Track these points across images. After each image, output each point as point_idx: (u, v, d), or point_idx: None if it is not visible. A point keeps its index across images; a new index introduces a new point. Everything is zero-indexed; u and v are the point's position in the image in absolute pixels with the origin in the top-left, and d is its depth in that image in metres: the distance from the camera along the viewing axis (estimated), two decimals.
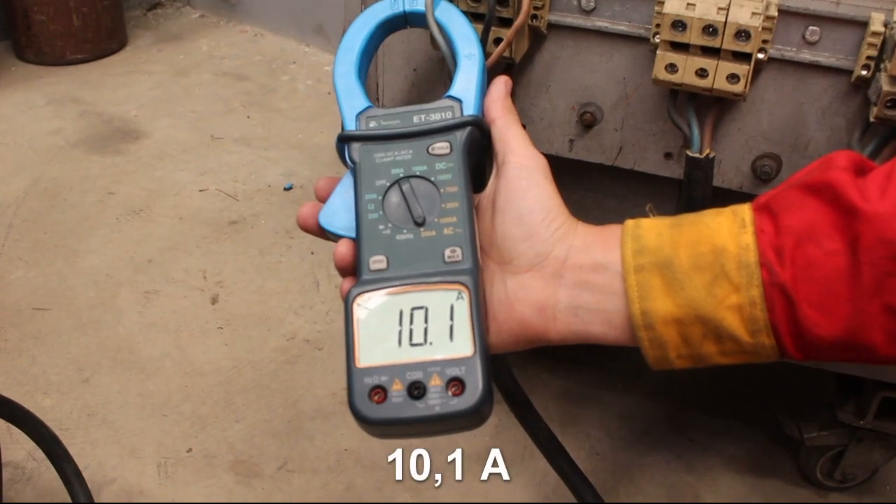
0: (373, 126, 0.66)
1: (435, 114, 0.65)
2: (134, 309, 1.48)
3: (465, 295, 0.57)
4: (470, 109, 0.66)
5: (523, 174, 0.62)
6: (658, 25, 0.76)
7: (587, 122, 0.88)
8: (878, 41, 0.73)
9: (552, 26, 0.84)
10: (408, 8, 0.75)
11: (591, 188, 1.00)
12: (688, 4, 0.73)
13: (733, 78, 0.74)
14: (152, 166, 1.93)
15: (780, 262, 0.53)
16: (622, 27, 0.83)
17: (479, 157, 0.67)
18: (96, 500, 1.09)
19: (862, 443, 1.10)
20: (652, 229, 0.58)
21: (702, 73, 0.74)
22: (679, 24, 0.73)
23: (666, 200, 0.97)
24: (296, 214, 0.68)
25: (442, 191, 0.62)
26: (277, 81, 2.36)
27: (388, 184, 0.62)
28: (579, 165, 0.93)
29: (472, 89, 0.67)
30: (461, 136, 0.64)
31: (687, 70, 0.75)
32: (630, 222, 0.59)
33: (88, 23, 2.43)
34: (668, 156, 0.88)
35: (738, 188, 0.87)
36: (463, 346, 0.56)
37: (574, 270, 0.59)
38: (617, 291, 0.57)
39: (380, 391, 0.55)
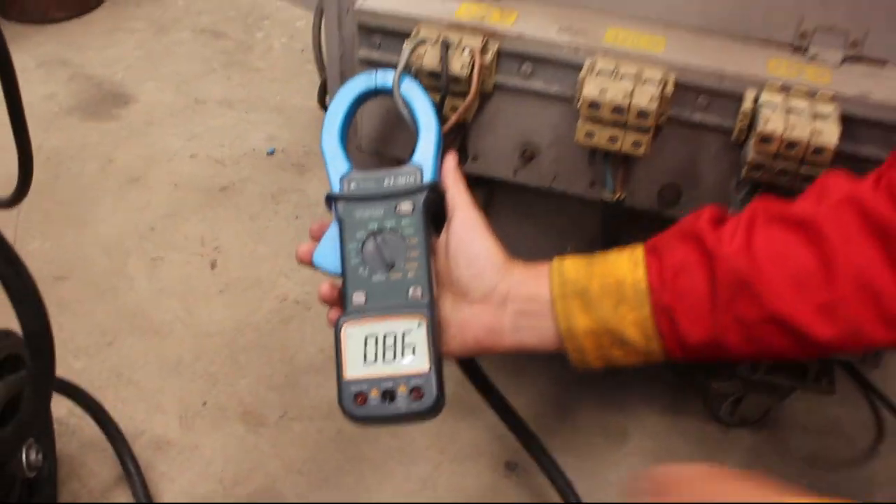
0: (353, 187, 0.87)
1: (401, 178, 0.87)
2: (143, 275, 1.70)
3: (424, 323, 0.78)
4: (428, 174, 0.87)
5: (468, 226, 0.83)
6: (580, 100, 0.97)
7: (527, 157, 1.10)
8: (747, 117, 0.95)
9: (497, 87, 1.05)
10: (379, 83, 0.96)
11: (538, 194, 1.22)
12: (601, 90, 0.94)
13: (637, 144, 0.96)
14: (144, 132, 2.10)
15: (662, 289, 0.76)
16: (554, 89, 1.04)
17: (438, 209, 0.87)
18: (133, 451, 1.33)
19: (756, 391, 1.36)
20: (572, 267, 0.81)
21: (613, 139, 0.96)
22: (594, 106, 0.94)
23: (594, 211, 1.20)
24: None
25: (406, 241, 0.82)
26: (253, 39, 2.51)
27: (365, 235, 0.83)
28: None
29: (430, 157, 0.88)
30: (421, 197, 0.84)
31: (601, 137, 0.97)
32: (556, 261, 0.82)
33: None
34: (592, 184, 1.10)
35: (650, 209, 1.10)
36: (422, 362, 0.76)
37: (515, 301, 0.80)
38: (547, 315, 0.79)
39: (362, 396, 0.76)
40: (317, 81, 1.99)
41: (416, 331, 0.77)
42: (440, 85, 0.98)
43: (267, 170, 1.98)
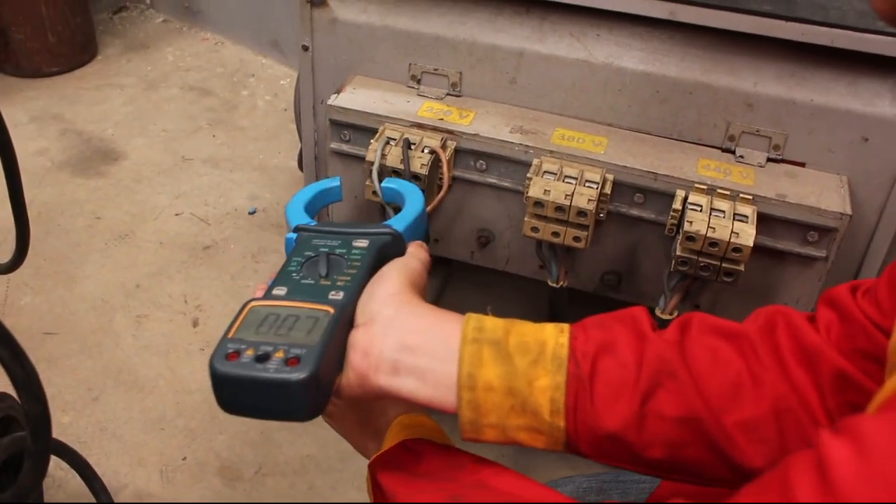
0: (321, 227, 0.83)
1: (369, 227, 0.82)
2: (129, 332, 1.79)
3: (331, 314, 0.69)
4: (398, 228, 0.83)
5: (392, 264, 0.76)
6: (527, 197, 1.07)
7: (483, 242, 1.20)
8: (677, 215, 1.06)
9: (456, 179, 1.16)
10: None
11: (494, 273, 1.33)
12: (545, 191, 1.04)
13: (577, 239, 1.07)
14: (132, 189, 2.20)
15: (584, 360, 0.67)
16: (506, 183, 1.15)
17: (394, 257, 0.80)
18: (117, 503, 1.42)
19: None
20: (492, 319, 0.70)
21: (555, 234, 1.07)
22: (538, 204, 1.05)
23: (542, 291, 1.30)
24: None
25: (348, 264, 0.76)
26: (238, 97, 2.62)
27: (313, 255, 0.78)
28: None
29: (406, 219, 0.88)
30: (381, 239, 0.80)
31: (545, 231, 1.07)
32: (473, 313, 0.71)
33: (63, 39, 2.66)
34: (541, 266, 1.20)
35: (592, 292, 1.20)
36: (312, 340, 0.66)
37: (402, 330, 0.69)
38: (444, 357, 0.68)
39: (235, 354, 0.66)
40: (297, 141, 2.10)
41: (321, 318, 0.69)
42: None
43: (248, 229, 2.08)
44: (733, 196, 1.05)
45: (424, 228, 0.93)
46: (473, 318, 0.69)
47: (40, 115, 2.50)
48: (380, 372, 0.68)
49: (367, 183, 1.10)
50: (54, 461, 1.50)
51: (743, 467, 0.66)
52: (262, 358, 0.65)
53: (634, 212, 1.11)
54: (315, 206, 1.01)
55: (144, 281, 1.92)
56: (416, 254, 0.80)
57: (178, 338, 1.78)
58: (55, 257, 1.97)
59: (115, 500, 1.43)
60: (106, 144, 2.38)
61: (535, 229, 1.08)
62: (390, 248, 0.80)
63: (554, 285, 1.13)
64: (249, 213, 2.13)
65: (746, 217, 1.03)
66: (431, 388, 0.67)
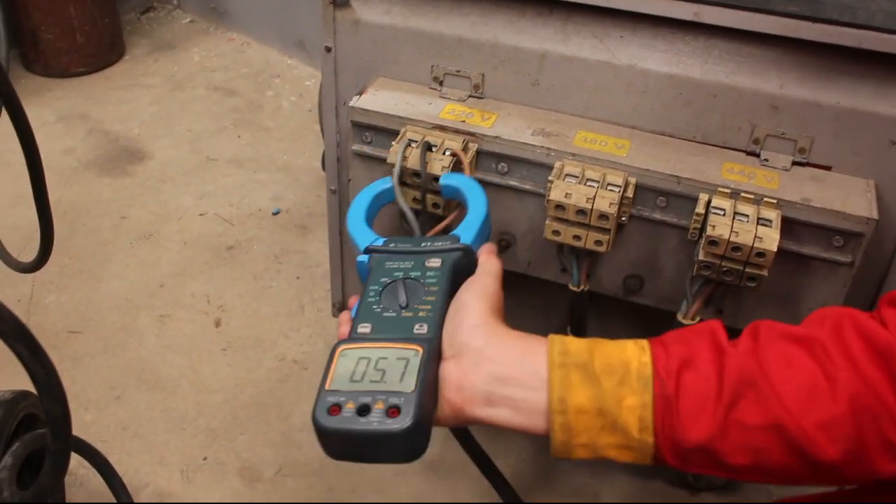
0: (391, 246, 0.87)
1: (438, 242, 0.86)
2: (152, 332, 1.80)
3: (420, 353, 0.73)
4: (467, 240, 0.87)
5: (470, 287, 0.79)
6: (548, 200, 1.06)
7: (504, 245, 1.19)
8: (700, 219, 1.04)
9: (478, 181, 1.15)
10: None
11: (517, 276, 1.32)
12: (566, 194, 1.04)
13: (599, 242, 1.06)
14: (157, 189, 2.22)
15: (668, 378, 0.70)
16: (527, 186, 1.14)
17: (468, 274, 0.83)
18: (136, 502, 1.42)
19: None
20: (573, 342, 0.74)
21: (577, 237, 1.06)
22: (560, 207, 1.04)
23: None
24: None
25: (426, 289, 0.80)
26: (264, 97, 2.63)
27: (388, 281, 0.82)
28: None
29: (473, 228, 0.91)
30: (452, 256, 0.84)
31: (566, 235, 1.06)
32: (554, 335, 0.75)
33: (91, 39, 2.68)
34: (563, 270, 1.19)
35: (614, 295, 1.19)
36: (407, 385, 0.70)
37: (492, 362, 0.72)
38: (533, 385, 0.72)
39: (336, 407, 0.69)
40: (321, 142, 2.10)
41: (411, 359, 0.73)
42: (421, 183, 1.08)
43: (271, 230, 2.08)
44: (757, 200, 1.04)
45: (490, 228, 0.95)
46: (557, 342, 0.73)
47: (68, 115, 2.52)
48: (475, 404, 0.72)
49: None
50: (76, 459, 1.51)
51: (823, 463, 0.69)
52: (363, 410, 0.68)
53: (657, 215, 1.10)
54: (372, 213, 1.01)
55: (168, 280, 1.93)
56: (488, 268, 0.83)
57: (201, 338, 1.79)
58: (80, 256, 1.99)
59: (136, 499, 1.44)
60: (132, 144, 2.39)
61: (556, 232, 1.07)
62: (462, 264, 0.84)
63: (575, 289, 1.12)
64: (273, 214, 2.13)
65: (770, 221, 1.01)
66: (525, 416, 0.72)
